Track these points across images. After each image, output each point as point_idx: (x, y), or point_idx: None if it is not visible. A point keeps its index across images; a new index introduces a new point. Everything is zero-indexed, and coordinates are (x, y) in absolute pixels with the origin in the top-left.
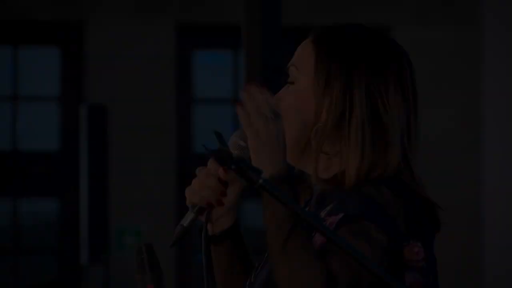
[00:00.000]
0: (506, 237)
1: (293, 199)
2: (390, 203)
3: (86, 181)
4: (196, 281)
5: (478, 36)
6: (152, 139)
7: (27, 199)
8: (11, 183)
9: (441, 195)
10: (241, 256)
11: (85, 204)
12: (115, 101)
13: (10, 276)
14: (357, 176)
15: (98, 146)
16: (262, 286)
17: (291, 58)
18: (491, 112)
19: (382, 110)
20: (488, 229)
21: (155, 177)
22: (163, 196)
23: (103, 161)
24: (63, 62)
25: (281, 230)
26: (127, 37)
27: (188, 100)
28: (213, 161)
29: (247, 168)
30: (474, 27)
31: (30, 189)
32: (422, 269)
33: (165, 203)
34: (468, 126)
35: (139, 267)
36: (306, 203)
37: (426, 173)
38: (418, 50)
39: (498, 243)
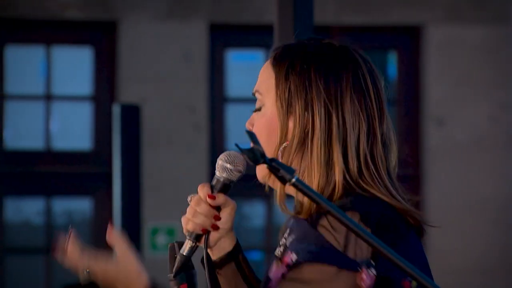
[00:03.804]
0: None
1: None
2: (341, 235)
3: (119, 180)
4: None
5: (511, 35)
6: (185, 138)
7: (60, 198)
8: (44, 182)
9: (473, 194)
10: (246, 275)
11: (118, 203)
12: (147, 100)
13: (43, 275)
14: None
15: (130, 146)
16: None
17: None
18: None
19: (336, 127)
20: None
21: (188, 176)
22: None
23: (136, 160)
24: (96, 61)
25: None
26: (159, 36)
27: (220, 99)
28: (201, 187)
29: (280, 167)
30: (507, 26)
31: (63, 189)
32: None
33: None
34: (500, 124)
35: (172, 265)
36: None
37: (457, 172)
38: (450, 50)
39: None
